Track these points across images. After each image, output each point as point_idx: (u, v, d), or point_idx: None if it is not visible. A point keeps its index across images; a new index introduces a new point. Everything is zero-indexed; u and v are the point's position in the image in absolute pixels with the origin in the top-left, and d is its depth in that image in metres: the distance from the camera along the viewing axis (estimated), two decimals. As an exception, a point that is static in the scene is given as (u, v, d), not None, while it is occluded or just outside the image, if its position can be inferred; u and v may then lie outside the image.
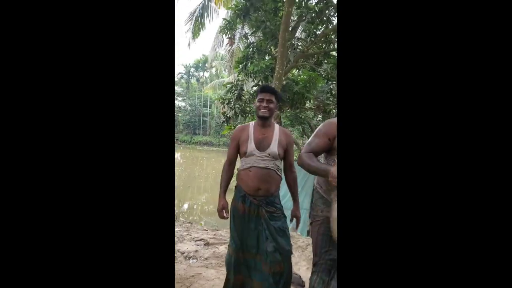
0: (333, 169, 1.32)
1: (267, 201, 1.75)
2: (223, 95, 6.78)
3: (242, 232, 1.76)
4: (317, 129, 1.60)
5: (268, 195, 1.75)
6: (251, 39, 6.32)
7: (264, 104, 1.77)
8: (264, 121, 1.80)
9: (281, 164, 1.84)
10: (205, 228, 3.81)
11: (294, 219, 1.89)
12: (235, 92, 5.87)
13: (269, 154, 1.74)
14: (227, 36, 7.36)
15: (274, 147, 1.75)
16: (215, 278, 2.30)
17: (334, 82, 6.27)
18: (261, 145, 1.76)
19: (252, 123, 1.87)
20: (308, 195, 5.75)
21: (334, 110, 7.27)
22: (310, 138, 1.58)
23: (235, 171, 1.91)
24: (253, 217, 1.74)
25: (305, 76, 5.74)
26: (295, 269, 2.52)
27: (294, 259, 2.80)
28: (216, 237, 3.28)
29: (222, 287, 1.93)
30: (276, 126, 1.86)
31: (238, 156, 1.89)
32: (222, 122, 7.07)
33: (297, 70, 6.44)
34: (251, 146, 1.76)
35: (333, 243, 1.53)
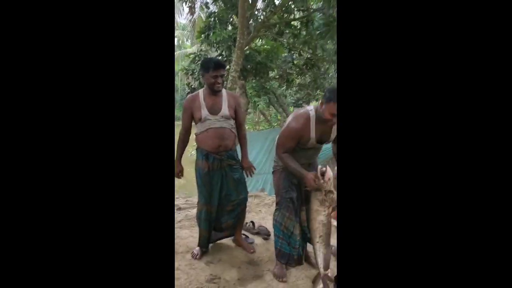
0: (309, 175, 1.70)
1: (228, 155, 2.07)
2: (187, 66, 6.68)
3: (209, 186, 2.07)
4: (289, 125, 1.85)
5: (228, 150, 2.06)
6: (212, 8, 6.20)
7: (219, 80, 1.96)
8: (217, 92, 2.02)
9: (233, 123, 2.10)
10: (176, 196, 3.98)
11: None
12: (199, 62, 5.84)
13: (222, 116, 2.00)
14: (187, 5, 7.11)
15: (225, 110, 2.02)
16: (189, 237, 2.51)
17: (296, 52, 6.43)
18: (214, 110, 2.00)
19: (200, 92, 2.08)
20: (271, 160, 6.06)
21: (296, 80, 7.49)
22: (284, 135, 1.85)
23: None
24: (216, 171, 2.05)
25: (267, 46, 5.83)
26: (262, 223, 2.81)
27: (261, 214, 3.11)
28: (188, 202, 3.48)
29: (198, 243, 2.18)
30: (224, 91, 2.09)
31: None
32: (187, 94, 7.01)
33: (260, 40, 6.49)
34: (204, 112, 1.99)
35: (291, 185, 1.94)
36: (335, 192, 1.58)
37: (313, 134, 1.83)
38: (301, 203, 2.02)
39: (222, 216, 2.17)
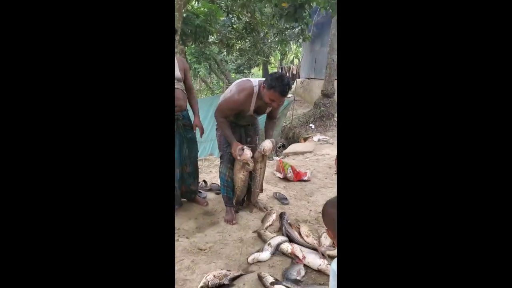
0: (235, 144, 2.04)
1: (183, 115, 2.22)
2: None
3: (177, 148, 2.21)
4: (233, 97, 2.02)
5: (182, 110, 2.20)
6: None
7: None
8: None
9: (183, 85, 2.23)
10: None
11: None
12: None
13: (174, 78, 2.11)
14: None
15: (177, 72, 2.13)
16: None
17: (235, 16, 6.37)
18: None
19: None
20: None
21: (237, 45, 7.47)
22: (225, 103, 2.07)
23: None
24: (176, 132, 2.18)
25: (205, 9, 5.67)
26: (214, 181, 3.01)
27: (212, 174, 3.30)
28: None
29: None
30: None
31: None
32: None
33: (196, 2, 6.24)
34: None
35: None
36: (251, 164, 2.08)
37: (252, 107, 2.05)
38: None
39: (183, 178, 2.33)
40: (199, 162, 3.78)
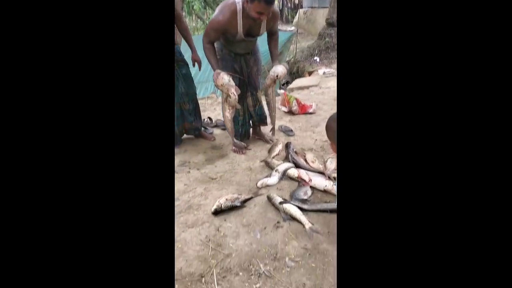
0: (215, 74, 1.93)
1: (176, 49, 2.16)
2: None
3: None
4: (216, 17, 1.91)
5: (176, 44, 2.15)
6: None
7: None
8: None
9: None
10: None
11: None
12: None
13: None
14: None
15: None
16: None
17: None
18: None
19: None
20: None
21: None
22: (210, 26, 1.96)
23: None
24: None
25: None
26: (219, 118, 3.03)
27: (217, 111, 3.30)
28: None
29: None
30: None
31: None
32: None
33: None
34: None
35: (233, 71, 2.18)
36: (233, 96, 1.98)
37: (240, 29, 1.91)
38: (246, 89, 2.25)
39: (183, 116, 2.34)
40: (202, 101, 3.78)
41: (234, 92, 1.97)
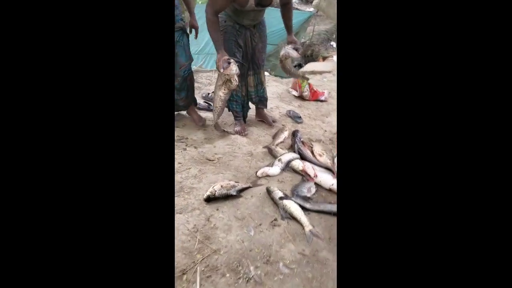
0: (220, 54, 1.70)
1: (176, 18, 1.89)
2: None
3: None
4: None
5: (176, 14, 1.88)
6: None
7: None
8: None
9: None
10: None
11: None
12: None
13: None
14: None
15: None
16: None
17: None
18: None
19: None
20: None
21: None
22: None
23: None
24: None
25: None
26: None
27: (222, 87, 3.10)
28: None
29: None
30: None
31: None
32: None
33: None
34: None
35: (236, 46, 1.94)
36: (234, 82, 1.77)
37: None
38: (248, 68, 2.06)
39: (177, 89, 2.09)
40: (207, 74, 3.55)
41: (237, 79, 1.76)
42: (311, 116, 2.60)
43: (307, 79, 2.45)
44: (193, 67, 3.62)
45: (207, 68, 4.99)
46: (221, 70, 1.73)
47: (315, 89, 2.99)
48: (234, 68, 1.72)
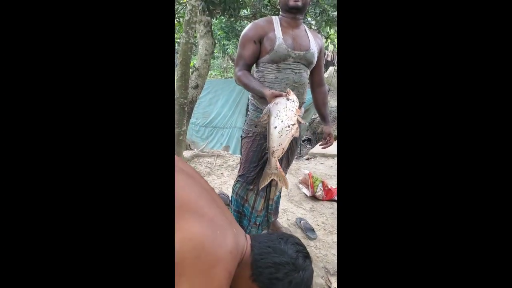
0: (267, 92, 1.29)
1: None
2: None
3: None
4: (241, 36, 1.48)
5: None
6: None
7: None
8: None
9: None
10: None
11: None
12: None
13: None
14: None
15: None
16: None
17: (272, -13, 5.56)
18: None
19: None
20: (241, 114, 5.59)
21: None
22: (238, 50, 1.49)
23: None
24: None
25: (239, -24, 4.91)
26: (223, 188, 2.43)
27: (223, 178, 2.71)
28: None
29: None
30: None
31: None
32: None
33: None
34: None
35: (262, 158, 1.54)
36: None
37: (279, 33, 1.41)
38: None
39: None
40: (210, 159, 3.21)
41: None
42: (327, 226, 2.14)
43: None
44: (194, 151, 3.32)
45: (213, 148, 4.72)
46: (286, 98, 1.22)
47: (329, 187, 2.58)
48: (295, 100, 1.22)
